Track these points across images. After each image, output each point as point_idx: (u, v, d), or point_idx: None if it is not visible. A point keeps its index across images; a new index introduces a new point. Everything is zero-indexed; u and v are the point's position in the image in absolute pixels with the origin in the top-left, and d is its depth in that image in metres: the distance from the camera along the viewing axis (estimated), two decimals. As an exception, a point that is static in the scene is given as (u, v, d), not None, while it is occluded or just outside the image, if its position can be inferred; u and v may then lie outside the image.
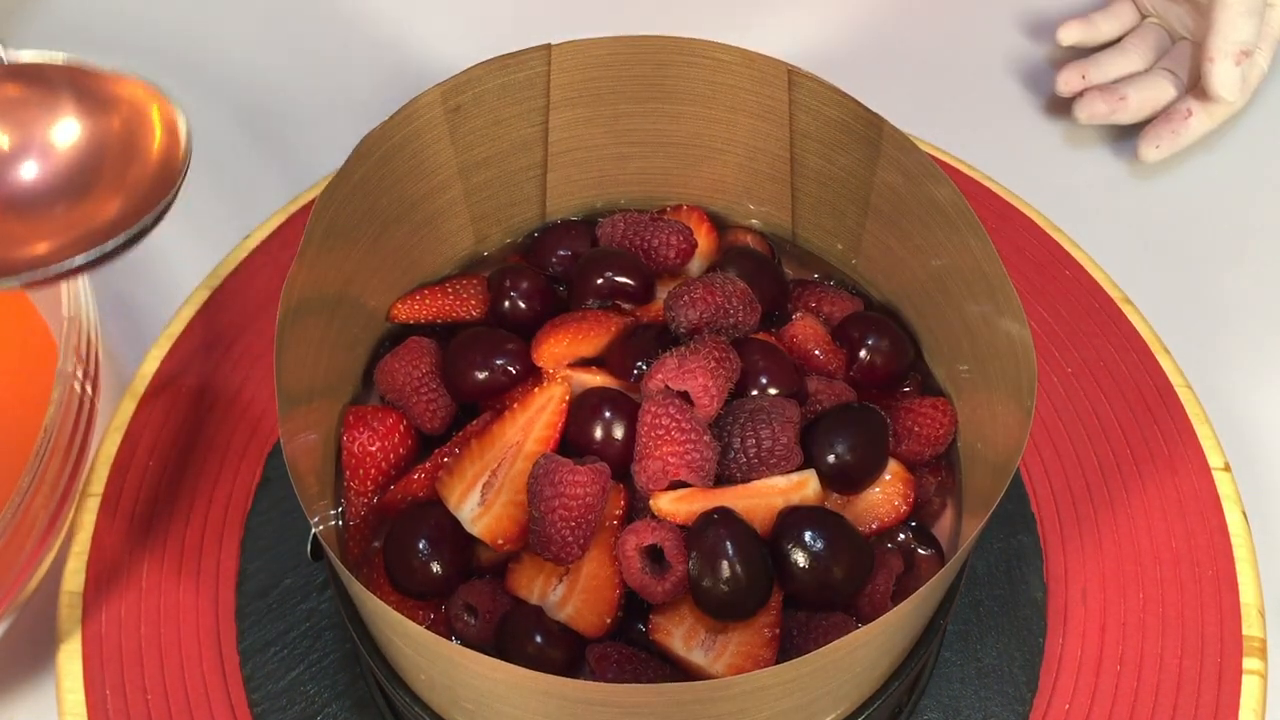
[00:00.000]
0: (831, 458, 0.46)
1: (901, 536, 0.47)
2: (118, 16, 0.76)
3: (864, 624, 0.44)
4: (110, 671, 0.51)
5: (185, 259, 0.65)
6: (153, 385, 0.58)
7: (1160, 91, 0.69)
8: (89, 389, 0.49)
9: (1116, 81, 0.70)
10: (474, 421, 0.48)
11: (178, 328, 0.59)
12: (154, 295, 0.64)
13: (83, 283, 0.49)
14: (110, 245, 0.42)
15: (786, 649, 0.43)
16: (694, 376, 0.45)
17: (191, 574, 0.53)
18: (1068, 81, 0.70)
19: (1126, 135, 0.72)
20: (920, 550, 0.47)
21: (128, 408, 0.57)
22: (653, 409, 0.44)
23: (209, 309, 0.60)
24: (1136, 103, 0.69)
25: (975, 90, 0.75)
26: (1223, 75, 0.66)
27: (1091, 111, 0.69)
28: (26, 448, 0.46)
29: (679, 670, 0.43)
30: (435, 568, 0.45)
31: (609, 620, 0.44)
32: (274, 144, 0.70)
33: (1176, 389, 0.59)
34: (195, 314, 0.60)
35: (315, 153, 0.70)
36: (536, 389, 0.47)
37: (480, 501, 0.45)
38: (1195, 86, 0.70)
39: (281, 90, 0.73)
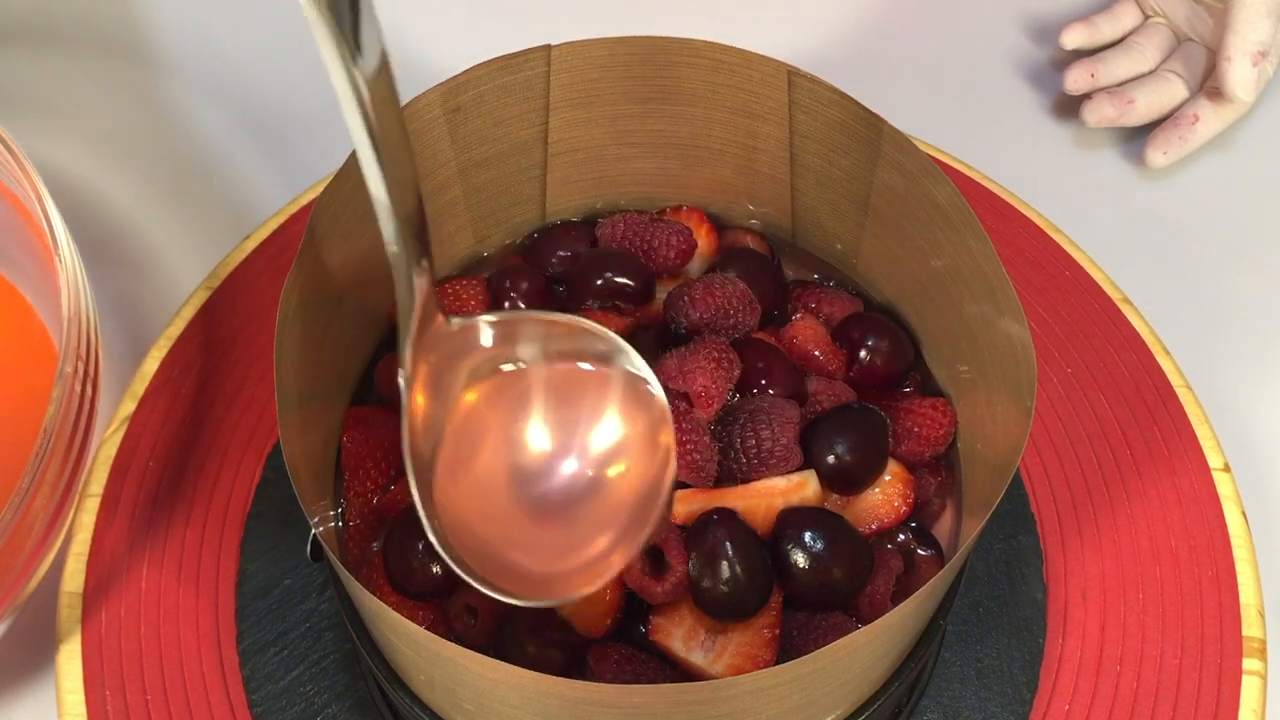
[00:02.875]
0: (831, 458, 0.46)
1: (901, 537, 0.47)
2: (118, 16, 0.76)
3: (864, 624, 0.44)
4: (110, 671, 0.51)
5: (185, 259, 0.65)
6: (153, 385, 0.58)
7: (1168, 94, 0.69)
8: (89, 389, 0.49)
9: (1124, 84, 0.70)
10: (474, 422, 0.48)
11: (178, 328, 0.59)
12: (154, 295, 0.64)
13: (82, 283, 0.49)
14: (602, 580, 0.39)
15: (786, 649, 0.43)
16: (694, 377, 0.45)
17: (191, 574, 0.53)
18: (1076, 81, 0.70)
19: (1127, 135, 0.71)
20: (920, 551, 0.47)
21: (128, 408, 0.57)
22: (653, 409, 0.44)
23: (209, 309, 0.60)
24: (1144, 106, 0.69)
25: (975, 90, 0.75)
26: (1239, 75, 0.65)
27: (1100, 115, 0.68)
28: (26, 448, 0.45)
29: (679, 671, 0.43)
30: (435, 568, 0.45)
31: (609, 620, 0.44)
32: (274, 144, 0.70)
33: (1176, 389, 0.59)
34: (195, 314, 0.60)
35: (315, 153, 0.69)
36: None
37: (480, 502, 0.45)
38: (1203, 88, 0.69)
39: (281, 90, 0.73)
